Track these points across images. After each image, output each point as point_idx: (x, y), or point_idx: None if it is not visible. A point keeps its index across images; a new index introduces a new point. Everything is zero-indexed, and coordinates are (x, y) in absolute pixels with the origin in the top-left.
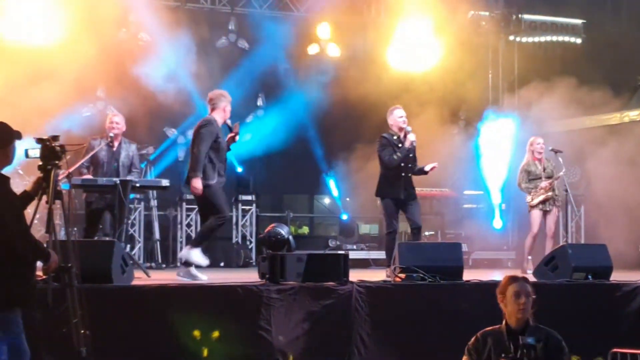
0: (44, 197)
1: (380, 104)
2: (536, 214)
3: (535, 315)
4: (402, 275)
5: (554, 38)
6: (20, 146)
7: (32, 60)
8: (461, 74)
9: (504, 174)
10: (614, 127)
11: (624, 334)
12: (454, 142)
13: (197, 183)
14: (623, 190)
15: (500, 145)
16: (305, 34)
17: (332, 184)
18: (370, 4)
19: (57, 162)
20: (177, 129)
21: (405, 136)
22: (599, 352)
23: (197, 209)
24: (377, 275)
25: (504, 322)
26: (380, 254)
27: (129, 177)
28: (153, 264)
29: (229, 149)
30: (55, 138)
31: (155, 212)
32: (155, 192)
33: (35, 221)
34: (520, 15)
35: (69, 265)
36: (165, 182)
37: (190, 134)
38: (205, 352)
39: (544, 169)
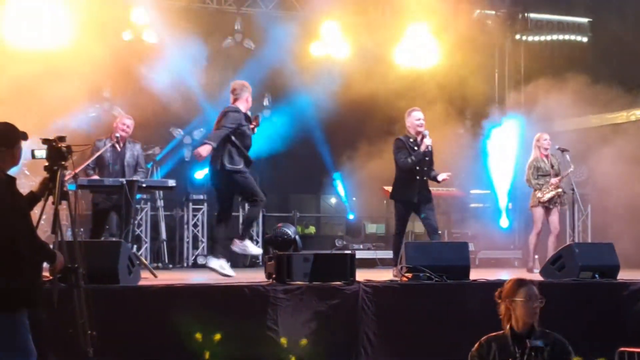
0: (50, 198)
1: (386, 104)
2: (539, 212)
3: (541, 315)
4: (409, 275)
5: (560, 37)
6: (27, 147)
7: (39, 61)
8: (467, 73)
9: (510, 173)
10: (620, 125)
11: (631, 333)
12: (460, 141)
13: (205, 150)
14: (630, 188)
15: (507, 144)
16: (311, 33)
17: (338, 184)
18: (377, 4)
19: (63, 162)
20: (183, 129)
21: (421, 139)
22: (606, 352)
23: (202, 210)
24: (384, 275)
25: (508, 326)
26: (387, 254)
27: (135, 178)
28: (160, 264)
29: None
30: (61, 139)
31: (161, 213)
32: (161, 192)
33: (42, 222)
34: (526, 14)
35: (76, 265)
36: (171, 183)
37: (196, 134)
38: (211, 353)
39: (552, 166)
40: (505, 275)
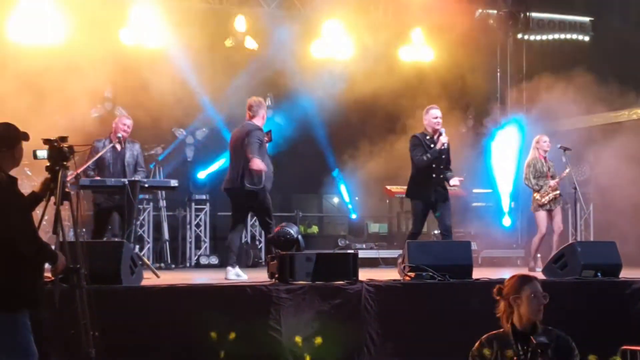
0: (52, 198)
1: (388, 103)
2: (542, 215)
3: (544, 314)
4: (412, 274)
5: (562, 36)
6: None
7: (41, 61)
8: (469, 72)
9: (512, 172)
10: (622, 124)
11: (633, 332)
12: (463, 140)
13: (258, 162)
14: (632, 187)
15: (509, 143)
16: (313, 33)
17: (341, 185)
18: (378, 3)
19: (65, 162)
20: (185, 130)
21: (438, 137)
22: (609, 350)
23: (205, 210)
24: (387, 275)
25: (508, 324)
26: (390, 253)
27: (137, 178)
28: (162, 265)
29: None
30: (63, 139)
31: (164, 213)
32: (164, 192)
33: (44, 222)
34: (528, 13)
35: (78, 266)
36: (174, 183)
37: (198, 134)
38: (215, 352)
39: (549, 168)
40: (508, 274)
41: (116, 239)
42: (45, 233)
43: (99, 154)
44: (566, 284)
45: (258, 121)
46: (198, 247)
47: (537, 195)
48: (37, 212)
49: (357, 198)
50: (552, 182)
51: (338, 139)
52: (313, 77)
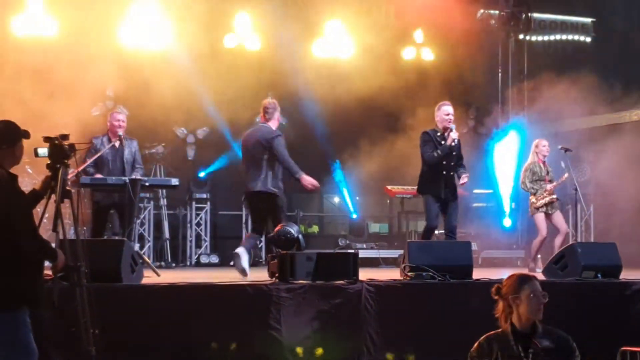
0: (53, 196)
1: (389, 103)
2: (541, 217)
3: (544, 315)
4: (412, 274)
5: (564, 37)
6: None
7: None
8: (471, 73)
9: (513, 173)
10: (623, 125)
11: (633, 333)
12: (463, 141)
13: (307, 178)
14: (633, 188)
15: (510, 144)
16: (314, 32)
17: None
18: (380, 3)
19: (65, 160)
20: (186, 129)
21: (448, 133)
22: (608, 351)
23: (206, 208)
24: (387, 274)
25: (507, 323)
26: (390, 253)
27: (137, 176)
28: (163, 263)
29: None
30: (64, 137)
31: (164, 211)
32: (164, 191)
33: (44, 220)
34: (530, 14)
35: (79, 264)
36: (174, 181)
37: (200, 133)
38: (215, 352)
39: (548, 172)
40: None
41: (117, 237)
42: (46, 231)
43: (99, 154)
44: (566, 285)
45: (273, 124)
46: (199, 246)
47: (533, 199)
48: (38, 210)
49: (357, 198)
50: (548, 186)
51: (339, 138)
52: (314, 77)
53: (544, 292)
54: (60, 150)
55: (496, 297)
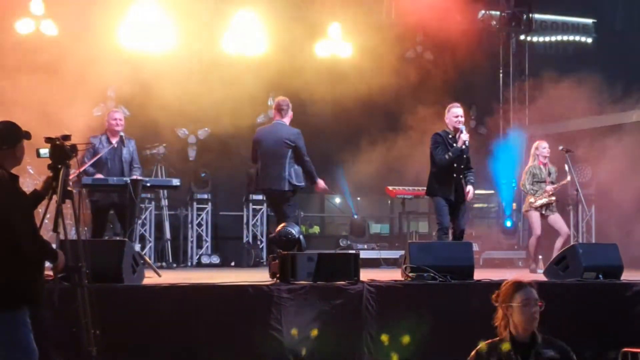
0: (55, 197)
1: (390, 103)
2: (535, 216)
3: (544, 316)
4: (413, 275)
5: (565, 37)
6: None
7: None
8: (472, 73)
9: (514, 174)
10: (625, 126)
11: (634, 334)
12: None
13: (322, 182)
14: (634, 189)
15: (511, 145)
16: (316, 33)
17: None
18: (382, 4)
19: (67, 161)
20: (187, 129)
21: (459, 135)
22: (610, 352)
23: (207, 209)
24: (388, 275)
25: (506, 332)
26: (391, 253)
27: (138, 177)
28: (164, 264)
29: None
30: (66, 137)
31: (165, 212)
32: (165, 191)
33: (46, 221)
34: (531, 15)
35: (79, 264)
36: (176, 182)
37: (201, 133)
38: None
39: (549, 174)
40: (509, 275)
41: (118, 238)
42: (47, 231)
43: (99, 155)
44: (567, 286)
45: (287, 120)
46: (200, 247)
47: (531, 198)
48: (40, 211)
49: (358, 198)
50: (548, 187)
51: (340, 138)
52: (315, 77)
53: (537, 298)
54: (61, 150)
55: (496, 304)
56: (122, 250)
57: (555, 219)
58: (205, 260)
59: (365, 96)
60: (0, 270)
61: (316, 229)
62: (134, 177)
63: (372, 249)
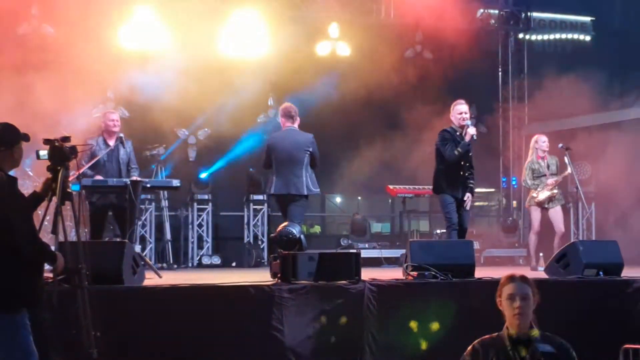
0: (54, 199)
1: (391, 102)
2: (536, 212)
3: (545, 313)
4: (414, 274)
5: (563, 35)
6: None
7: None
8: (471, 72)
9: (515, 171)
10: (623, 123)
11: (635, 330)
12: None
13: None
14: (633, 186)
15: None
16: (316, 33)
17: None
18: (380, 4)
19: (66, 162)
20: (187, 129)
21: (465, 130)
22: (610, 349)
23: (207, 210)
24: (389, 274)
25: (504, 328)
26: (392, 252)
27: (137, 178)
28: (164, 265)
29: None
30: (65, 139)
31: (166, 213)
32: (166, 192)
33: (46, 222)
34: (529, 13)
35: (80, 266)
36: (176, 183)
37: (201, 134)
38: (217, 353)
39: (548, 167)
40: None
41: (118, 239)
42: (47, 233)
43: (97, 157)
44: (568, 283)
45: (297, 124)
46: (200, 247)
47: (533, 193)
48: (39, 213)
49: (359, 198)
50: (549, 180)
51: (340, 138)
52: (315, 77)
53: (527, 293)
54: (60, 152)
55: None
56: (122, 251)
57: (554, 214)
58: (206, 261)
59: (365, 95)
60: (0, 272)
61: (317, 229)
62: (134, 178)
63: (373, 248)
